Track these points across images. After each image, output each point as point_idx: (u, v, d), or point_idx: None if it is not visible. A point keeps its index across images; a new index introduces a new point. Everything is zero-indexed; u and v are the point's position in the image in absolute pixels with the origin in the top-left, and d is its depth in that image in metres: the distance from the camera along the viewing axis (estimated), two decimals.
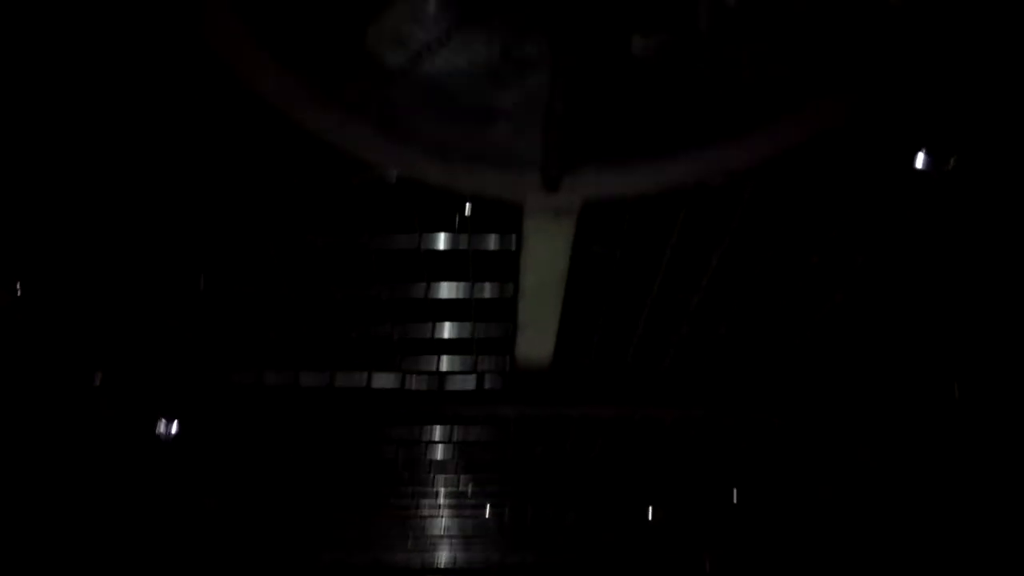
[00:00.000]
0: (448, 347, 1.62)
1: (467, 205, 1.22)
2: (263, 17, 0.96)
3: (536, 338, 1.55)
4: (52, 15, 0.96)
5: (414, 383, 1.70)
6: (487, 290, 1.42)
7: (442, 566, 3.83)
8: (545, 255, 1.32)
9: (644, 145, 1.14)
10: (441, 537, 3.30)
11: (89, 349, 1.64)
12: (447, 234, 1.29)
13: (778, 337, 1.56)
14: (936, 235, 1.33)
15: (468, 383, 1.70)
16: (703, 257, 1.34)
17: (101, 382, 1.68)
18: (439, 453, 2.14)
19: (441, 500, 2.69)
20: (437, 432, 2.00)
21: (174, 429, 1.87)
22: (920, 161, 1.21)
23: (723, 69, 1.01)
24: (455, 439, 2.04)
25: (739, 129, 1.09)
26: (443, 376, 1.68)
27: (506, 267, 1.36)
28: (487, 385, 1.70)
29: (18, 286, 1.41)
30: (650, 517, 3.08)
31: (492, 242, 1.30)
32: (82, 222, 1.29)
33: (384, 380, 1.69)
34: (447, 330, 1.54)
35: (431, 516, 2.96)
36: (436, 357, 1.63)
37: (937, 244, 1.35)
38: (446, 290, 1.42)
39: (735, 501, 2.60)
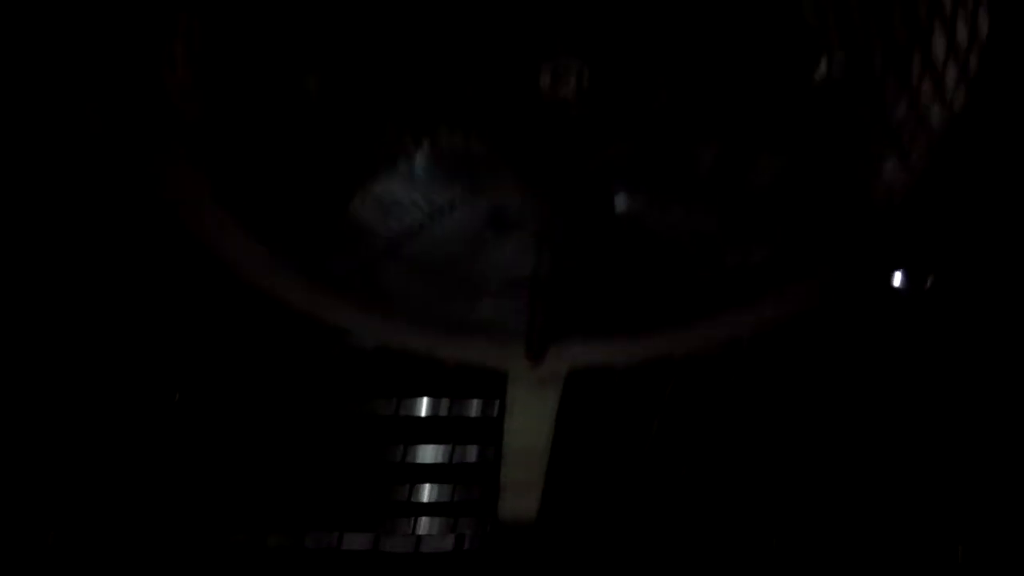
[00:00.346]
0: (426, 509, 1.54)
1: (449, 372, 1.19)
2: (237, 190, 0.95)
3: (520, 500, 1.48)
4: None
5: (388, 544, 1.61)
6: (468, 453, 1.37)
7: None
8: (529, 421, 1.28)
9: (631, 317, 1.13)
10: None
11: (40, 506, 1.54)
12: (427, 399, 1.25)
13: (774, 501, 1.50)
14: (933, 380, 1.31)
15: (446, 543, 1.61)
16: (694, 425, 1.30)
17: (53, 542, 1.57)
18: None
19: None
20: None
21: None
22: (897, 281, 1.20)
23: (704, 242, 1.01)
24: None
25: (727, 303, 1.09)
26: (419, 537, 1.59)
27: (488, 431, 1.31)
28: (467, 545, 1.61)
29: None
30: None
31: (474, 407, 1.26)
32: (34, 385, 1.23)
33: (356, 541, 1.59)
34: (426, 492, 1.47)
35: None
36: (412, 519, 1.55)
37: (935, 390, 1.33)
38: (425, 453, 1.37)
39: None
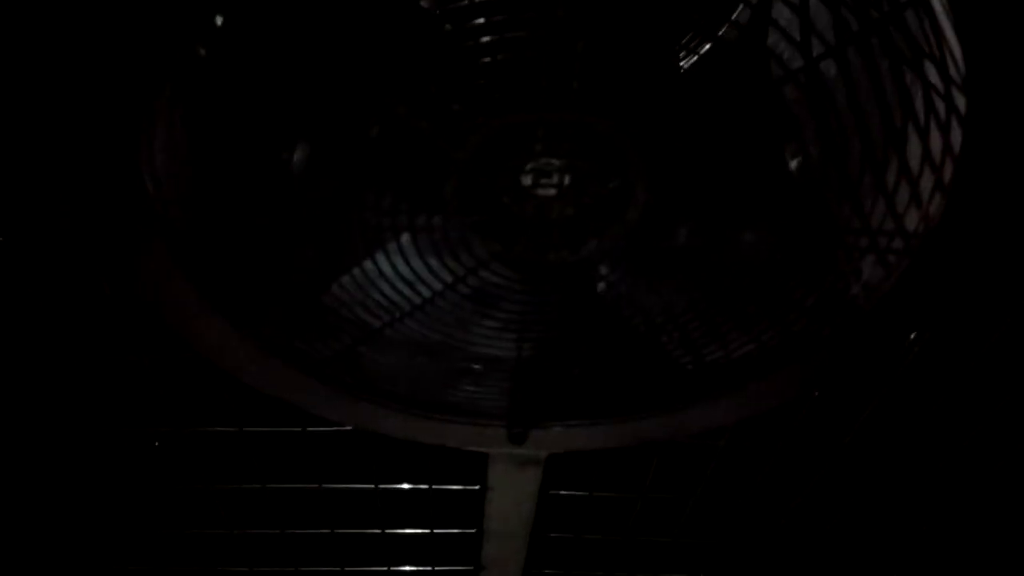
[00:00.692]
0: None
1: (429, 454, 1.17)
2: (217, 280, 0.94)
3: (503, 572, 1.46)
4: None
5: None
6: (449, 530, 1.35)
7: None
8: (511, 501, 1.26)
9: (612, 403, 1.12)
10: None
11: None
12: (408, 481, 1.24)
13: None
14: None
15: None
16: (677, 503, 1.29)
17: None
18: None
19: None
20: None
21: None
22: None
23: (685, 335, 1.01)
24: None
25: (708, 393, 1.08)
26: None
27: (469, 509, 1.30)
28: None
29: None
30: None
31: (455, 486, 1.24)
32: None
33: None
34: (407, 569, 1.45)
35: None
36: None
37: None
38: (405, 531, 1.35)
39: None
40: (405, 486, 1.26)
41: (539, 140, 0.80)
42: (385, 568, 1.42)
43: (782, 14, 0.83)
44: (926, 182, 0.83)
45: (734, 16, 0.82)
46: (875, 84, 0.80)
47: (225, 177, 0.92)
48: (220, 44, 0.86)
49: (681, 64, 0.82)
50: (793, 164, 0.90)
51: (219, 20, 0.90)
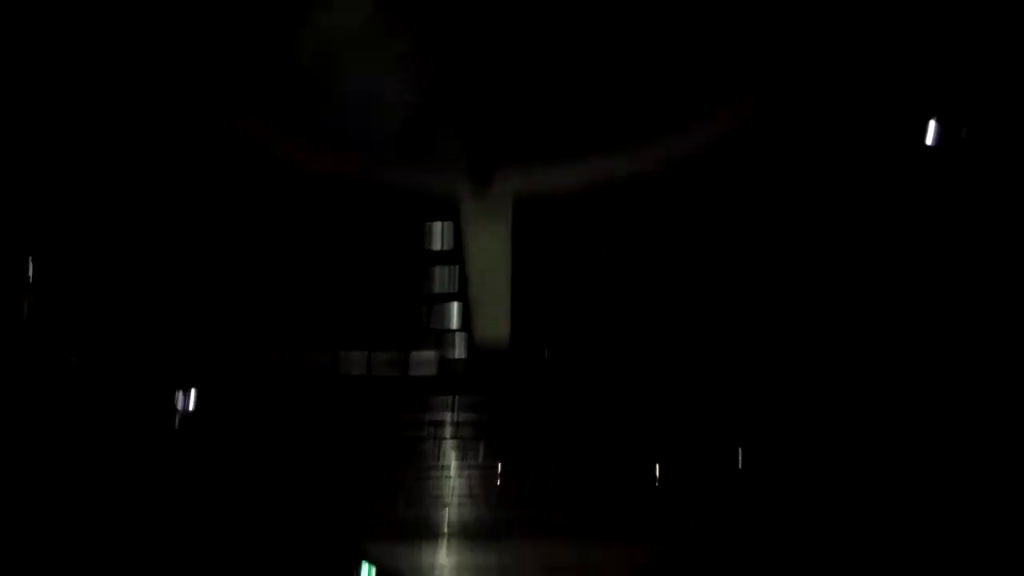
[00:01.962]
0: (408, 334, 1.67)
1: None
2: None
3: (491, 322, 1.60)
4: None
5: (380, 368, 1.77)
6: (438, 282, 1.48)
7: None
8: (486, 245, 1.36)
9: (567, 144, 1.18)
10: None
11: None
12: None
13: (724, 337, 1.57)
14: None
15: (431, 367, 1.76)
16: (641, 252, 1.37)
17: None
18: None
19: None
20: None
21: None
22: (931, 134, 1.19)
23: (629, 70, 1.04)
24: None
25: (658, 129, 1.13)
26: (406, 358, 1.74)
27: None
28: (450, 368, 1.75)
29: None
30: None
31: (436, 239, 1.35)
32: None
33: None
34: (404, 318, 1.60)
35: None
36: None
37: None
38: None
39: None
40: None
41: None
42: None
43: None
44: None
45: None
46: None
47: None
48: None
49: None
50: None
51: None
